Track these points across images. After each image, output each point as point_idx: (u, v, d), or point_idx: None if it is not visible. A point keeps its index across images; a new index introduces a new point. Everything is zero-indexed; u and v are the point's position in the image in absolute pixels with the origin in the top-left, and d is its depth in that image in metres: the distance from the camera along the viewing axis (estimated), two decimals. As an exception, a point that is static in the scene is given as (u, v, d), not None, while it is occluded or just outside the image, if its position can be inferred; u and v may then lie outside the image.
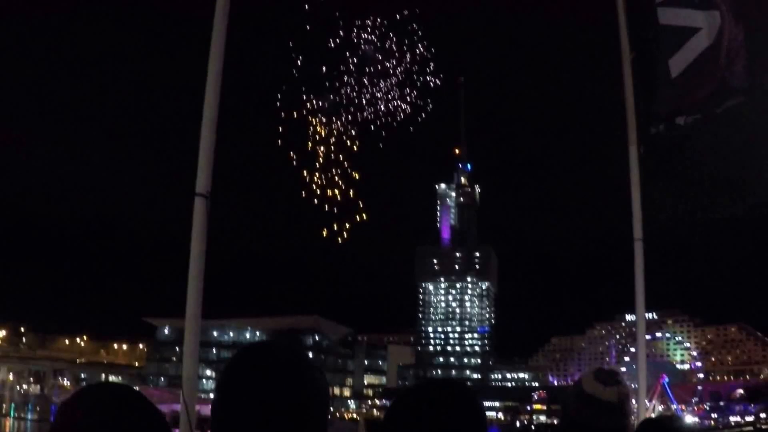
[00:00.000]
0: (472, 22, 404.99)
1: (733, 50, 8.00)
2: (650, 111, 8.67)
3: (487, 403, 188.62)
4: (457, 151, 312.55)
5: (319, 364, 2.45)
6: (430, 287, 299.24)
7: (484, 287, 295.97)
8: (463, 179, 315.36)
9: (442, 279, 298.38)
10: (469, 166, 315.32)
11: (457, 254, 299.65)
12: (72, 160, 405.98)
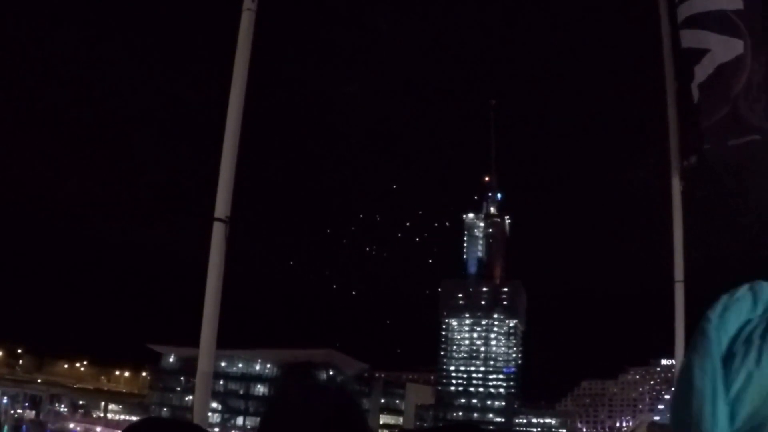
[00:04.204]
0: (507, 47, 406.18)
1: (754, 86, 7.98)
2: (683, 142, 8.66)
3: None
4: (486, 178, 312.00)
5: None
6: (454, 323, 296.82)
7: (511, 325, 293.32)
8: (492, 209, 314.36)
9: (467, 315, 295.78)
10: (499, 195, 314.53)
11: (484, 289, 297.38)
12: (75, 179, 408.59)
